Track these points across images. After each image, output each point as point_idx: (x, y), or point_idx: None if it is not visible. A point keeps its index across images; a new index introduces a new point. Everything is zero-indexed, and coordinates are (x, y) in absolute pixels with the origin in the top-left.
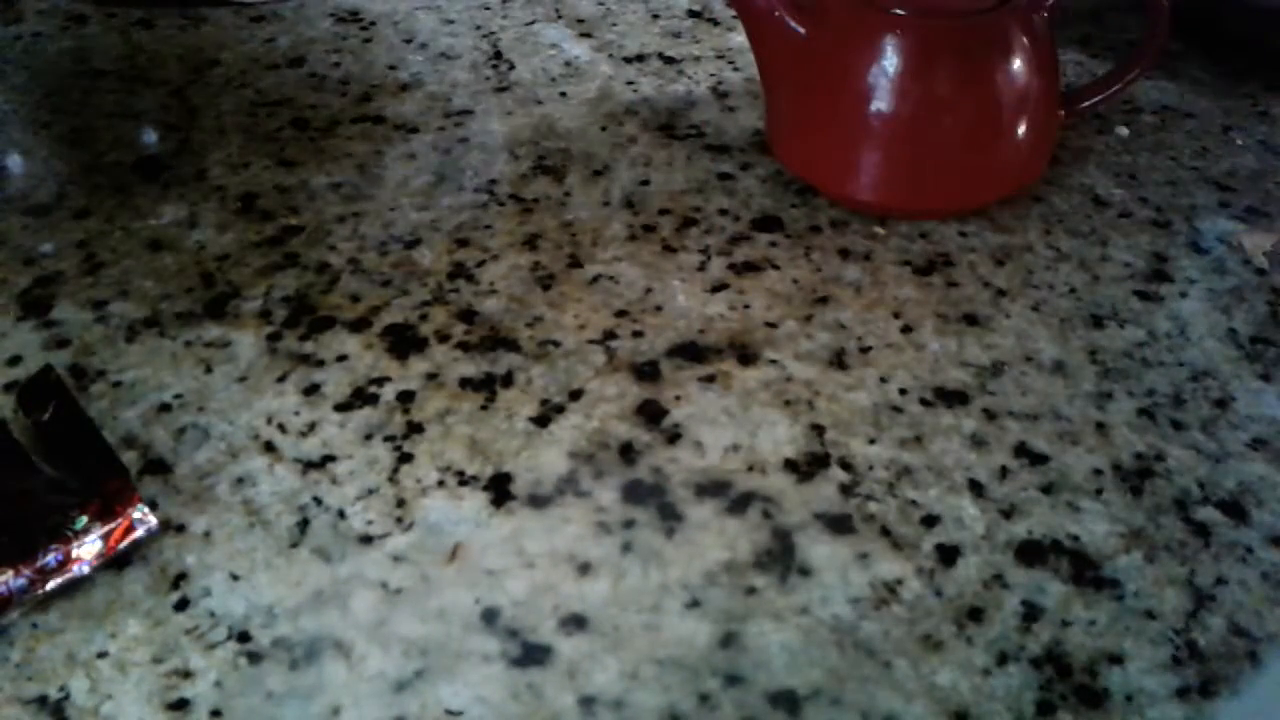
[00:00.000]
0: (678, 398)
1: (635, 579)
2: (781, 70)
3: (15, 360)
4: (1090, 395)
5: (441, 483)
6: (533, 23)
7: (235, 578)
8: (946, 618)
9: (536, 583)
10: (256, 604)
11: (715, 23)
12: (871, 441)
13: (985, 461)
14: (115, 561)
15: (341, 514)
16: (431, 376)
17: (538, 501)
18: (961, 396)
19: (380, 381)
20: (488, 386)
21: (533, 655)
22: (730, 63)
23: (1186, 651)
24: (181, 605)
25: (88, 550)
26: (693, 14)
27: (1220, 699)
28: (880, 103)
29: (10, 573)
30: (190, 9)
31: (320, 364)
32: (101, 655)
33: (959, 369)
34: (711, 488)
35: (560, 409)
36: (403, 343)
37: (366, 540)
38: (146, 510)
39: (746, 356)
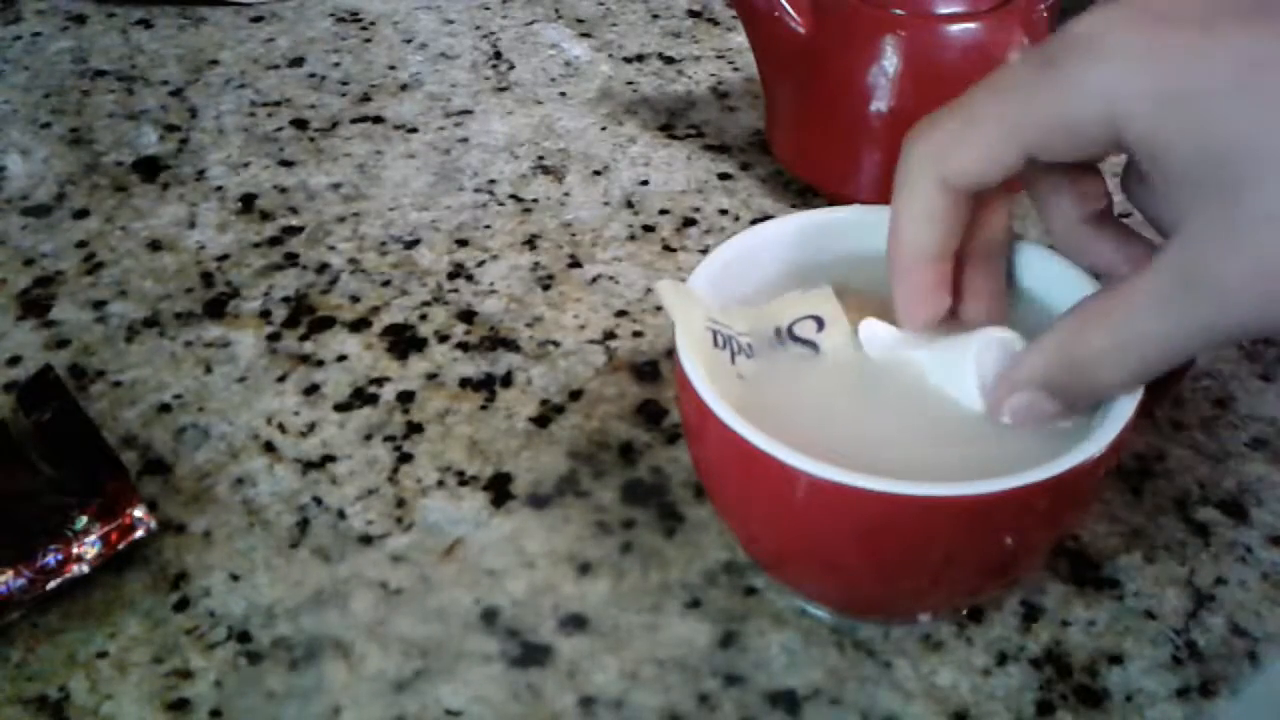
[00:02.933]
0: (677, 398)
1: (635, 579)
2: (781, 70)
3: (15, 360)
4: None
5: (441, 483)
6: (533, 23)
7: (235, 578)
8: (946, 617)
9: (536, 583)
10: (256, 604)
11: (715, 23)
12: None
13: None
14: (115, 561)
15: (341, 514)
16: (431, 376)
17: (538, 501)
18: None
19: (380, 381)
20: (488, 386)
21: (532, 655)
22: (730, 63)
23: (1186, 651)
24: (181, 605)
25: (88, 550)
26: (693, 14)
27: (1220, 699)
28: (880, 102)
29: (10, 573)
30: (190, 9)
31: (320, 364)
32: (101, 655)
33: None
34: None
35: (560, 409)
36: (403, 343)
37: (366, 540)
38: (146, 510)
39: None
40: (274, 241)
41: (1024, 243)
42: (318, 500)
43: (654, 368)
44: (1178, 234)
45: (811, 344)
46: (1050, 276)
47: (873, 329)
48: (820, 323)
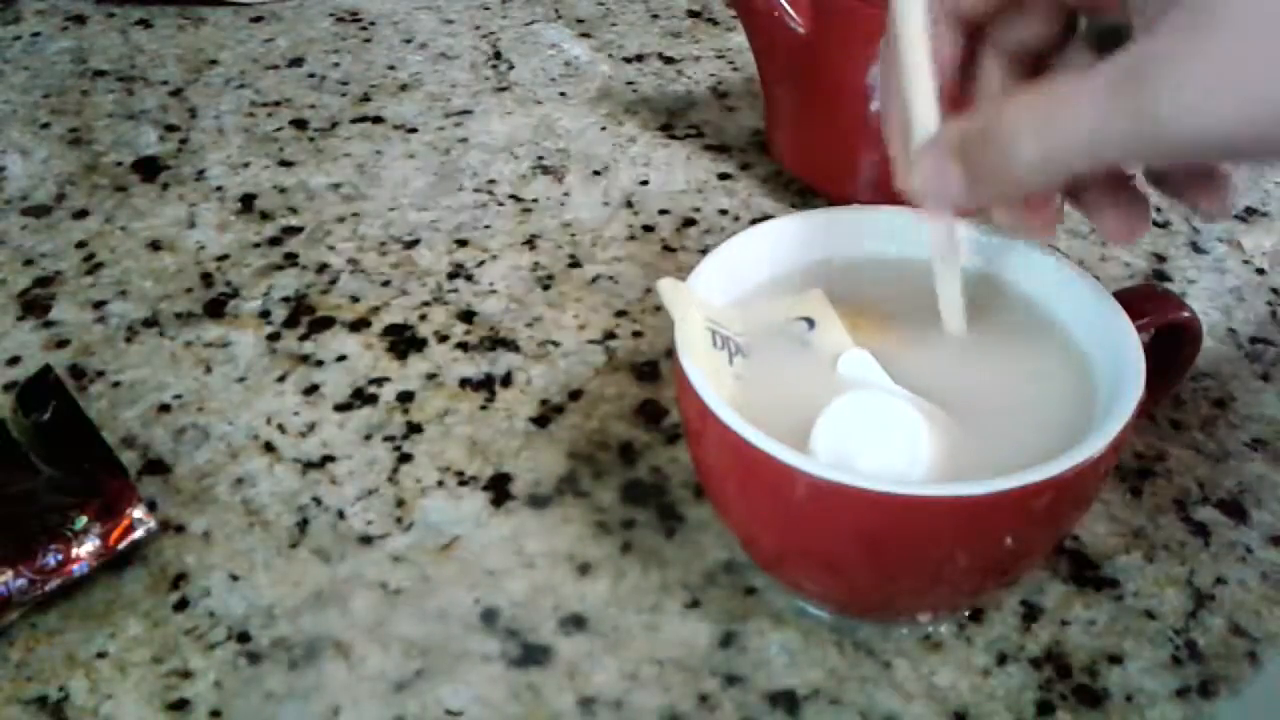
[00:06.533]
0: (677, 398)
1: (635, 579)
2: (781, 70)
3: (15, 360)
4: None
5: (441, 483)
6: (532, 23)
7: (235, 578)
8: (946, 618)
9: (536, 583)
10: (256, 604)
11: (715, 23)
12: None
13: None
14: (115, 561)
15: (341, 514)
16: (431, 376)
17: (537, 501)
18: None
19: (380, 381)
20: (487, 386)
21: (532, 655)
22: (730, 63)
23: (1186, 651)
24: (181, 605)
25: (87, 550)
26: (693, 14)
27: (1220, 699)
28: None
29: (10, 573)
30: (190, 9)
31: (320, 364)
32: (101, 655)
33: None
34: None
35: (560, 409)
36: (402, 343)
37: (366, 540)
38: (146, 510)
39: None
40: (274, 241)
41: (1029, 249)
42: (317, 500)
43: (654, 368)
44: (1141, 32)
45: (803, 344)
46: (1053, 282)
47: (856, 360)
48: (811, 323)
